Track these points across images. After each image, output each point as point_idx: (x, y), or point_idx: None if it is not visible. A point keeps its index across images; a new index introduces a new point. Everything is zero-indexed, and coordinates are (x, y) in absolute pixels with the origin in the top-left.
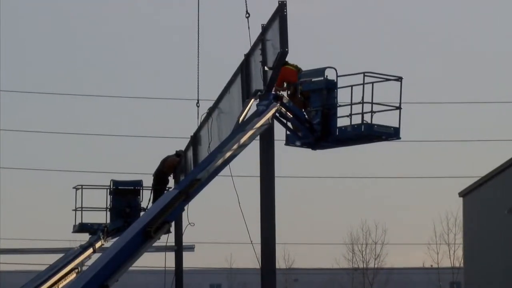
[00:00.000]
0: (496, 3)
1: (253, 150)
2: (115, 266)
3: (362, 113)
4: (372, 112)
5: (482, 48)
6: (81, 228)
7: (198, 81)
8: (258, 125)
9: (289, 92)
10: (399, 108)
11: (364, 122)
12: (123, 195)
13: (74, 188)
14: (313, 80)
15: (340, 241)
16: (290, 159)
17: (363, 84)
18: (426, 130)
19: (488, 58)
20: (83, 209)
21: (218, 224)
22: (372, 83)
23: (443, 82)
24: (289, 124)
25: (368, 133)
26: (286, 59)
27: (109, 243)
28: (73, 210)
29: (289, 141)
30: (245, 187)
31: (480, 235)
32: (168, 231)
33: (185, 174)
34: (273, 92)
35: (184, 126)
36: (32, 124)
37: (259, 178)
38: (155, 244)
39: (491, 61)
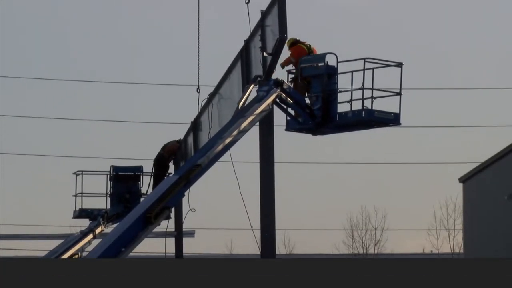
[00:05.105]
0: None
1: (254, 135)
2: (115, 251)
3: (363, 99)
4: (372, 98)
5: (482, 34)
6: (81, 213)
7: (198, 67)
8: (258, 110)
9: (293, 77)
10: (399, 94)
11: (365, 107)
12: (123, 180)
13: (74, 173)
14: (314, 65)
15: (340, 227)
16: (290, 144)
17: (364, 70)
18: (426, 115)
19: (488, 43)
20: (83, 194)
21: (218, 209)
22: (373, 69)
23: (443, 67)
24: (289, 109)
25: (368, 119)
26: (298, 38)
27: (109, 228)
28: (73, 195)
29: (289, 127)
30: (246, 172)
31: (480, 221)
32: (168, 217)
33: (185, 160)
34: (273, 78)
35: (185, 112)
36: (32, 109)
37: (259, 163)
38: (155, 230)
39: (492, 46)
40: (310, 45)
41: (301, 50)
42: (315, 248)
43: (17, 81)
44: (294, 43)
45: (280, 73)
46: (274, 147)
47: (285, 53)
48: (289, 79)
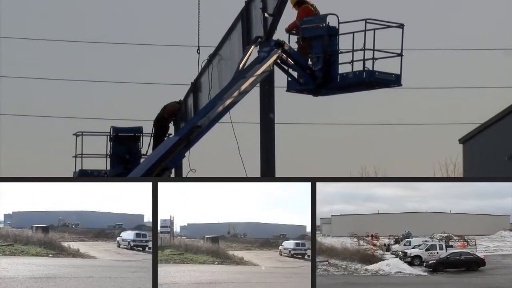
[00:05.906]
0: None
1: (254, 96)
2: None
3: (364, 60)
4: (373, 59)
5: None
6: (81, 174)
7: (198, 27)
8: (259, 71)
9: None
10: (400, 55)
11: (366, 68)
12: (123, 141)
13: (74, 134)
14: (315, 26)
15: None
16: (291, 105)
17: (365, 30)
18: (427, 76)
19: (490, 3)
20: (83, 155)
21: (218, 170)
22: (374, 29)
23: (444, 28)
24: (290, 70)
25: (370, 80)
26: None
27: None
28: (73, 156)
29: (290, 87)
30: (246, 133)
31: None
32: None
33: (185, 121)
34: (274, 38)
35: (185, 72)
36: (32, 70)
37: (259, 124)
38: None
39: (494, 6)
40: (315, 6)
41: (309, 12)
42: None
43: (17, 42)
44: (300, 3)
45: (280, 34)
46: (274, 108)
47: (287, 13)
48: (296, 41)
